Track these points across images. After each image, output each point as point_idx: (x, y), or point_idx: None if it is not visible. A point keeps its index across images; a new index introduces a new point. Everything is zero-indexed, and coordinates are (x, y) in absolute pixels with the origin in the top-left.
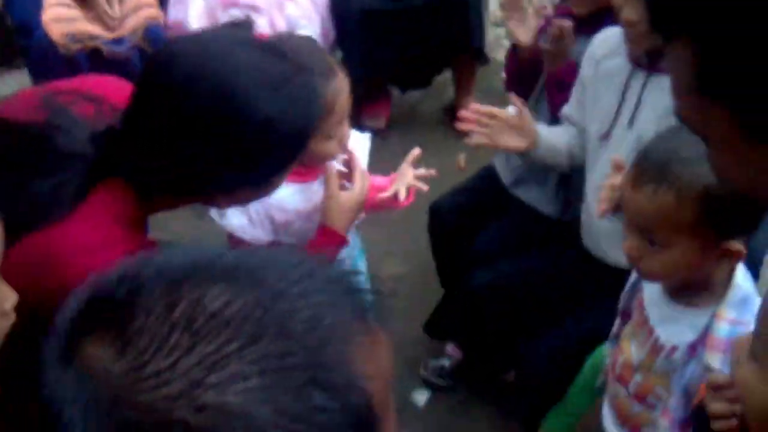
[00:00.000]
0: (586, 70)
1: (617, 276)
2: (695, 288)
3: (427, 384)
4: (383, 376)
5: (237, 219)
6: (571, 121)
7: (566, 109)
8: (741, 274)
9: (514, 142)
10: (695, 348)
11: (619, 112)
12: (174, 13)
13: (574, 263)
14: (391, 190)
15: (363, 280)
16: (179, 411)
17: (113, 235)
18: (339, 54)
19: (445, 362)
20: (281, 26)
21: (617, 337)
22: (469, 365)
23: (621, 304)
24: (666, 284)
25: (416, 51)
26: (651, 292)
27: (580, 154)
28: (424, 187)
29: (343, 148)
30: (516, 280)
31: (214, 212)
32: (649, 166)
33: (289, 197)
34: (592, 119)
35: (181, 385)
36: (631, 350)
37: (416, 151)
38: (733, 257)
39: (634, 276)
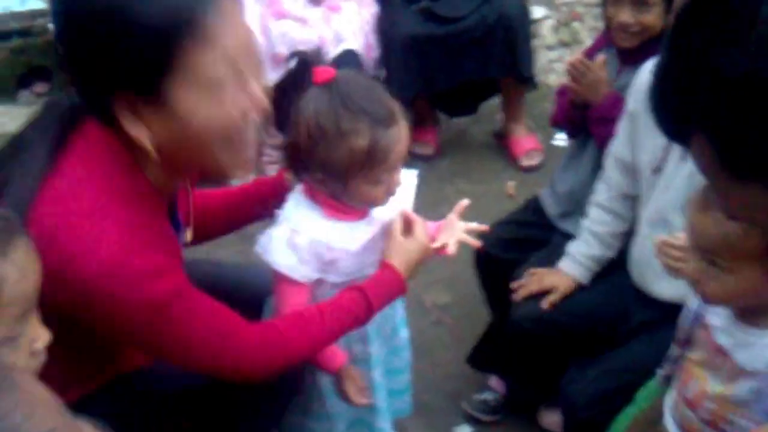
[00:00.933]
0: (633, 102)
1: (663, 309)
2: (765, 310)
3: (469, 419)
4: None
5: (284, 257)
6: (619, 159)
7: (615, 147)
8: None
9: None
10: None
11: (670, 145)
12: None
13: (620, 296)
14: (439, 241)
15: (404, 364)
16: None
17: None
18: (383, 72)
19: (489, 396)
20: (328, 39)
21: (676, 360)
22: (513, 400)
23: (680, 334)
24: (733, 308)
25: (463, 77)
26: (719, 320)
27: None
28: (476, 244)
29: (391, 195)
30: (560, 312)
31: (258, 246)
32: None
33: (337, 235)
34: (644, 151)
35: None
36: (707, 379)
37: (464, 203)
38: None
39: (695, 303)
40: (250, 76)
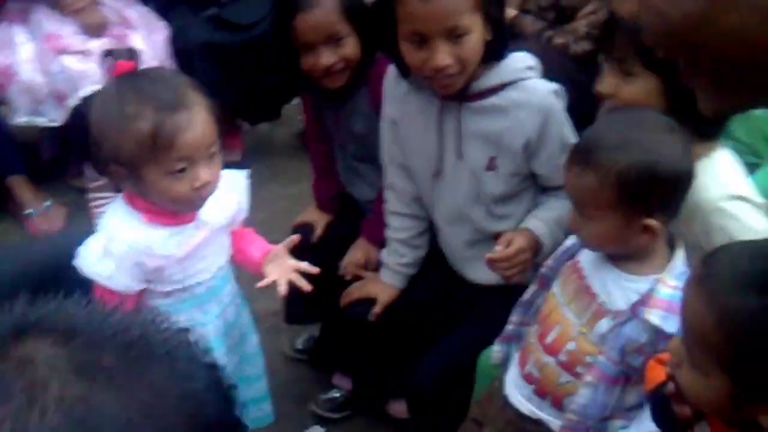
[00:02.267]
0: (391, 110)
1: (482, 292)
2: (635, 258)
3: (319, 419)
4: None
5: (101, 267)
6: (397, 164)
7: (387, 154)
8: (682, 252)
9: None
10: (636, 309)
11: (442, 148)
12: (1, 59)
13: (446, 280)
14: (269, 275)
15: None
16: None
17: None
18: None
19: (335, 394)
20: None
21: (530, 304)
22: (360, 394)
23: (543, 270)
24: (604, 253)
25: (263, 84)
26: (590, 260)
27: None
28: (307, 287)
29: (200, 192)
30: (394, 305)
31: (76, 257)
32: (577, 150)
33: (159, 241)
34: (416, 157)
35: None
36: (570, 320)
37: (295, 238)
38: (651, 233)
39: (568, 241)
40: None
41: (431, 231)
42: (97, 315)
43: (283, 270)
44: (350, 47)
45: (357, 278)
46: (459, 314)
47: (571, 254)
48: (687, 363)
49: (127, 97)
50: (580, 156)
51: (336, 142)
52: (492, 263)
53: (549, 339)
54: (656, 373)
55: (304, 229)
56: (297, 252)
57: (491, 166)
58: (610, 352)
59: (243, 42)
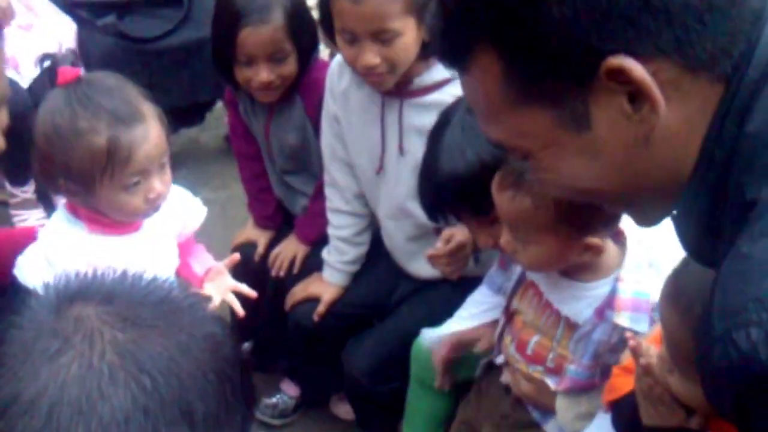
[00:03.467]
0: (333, 105)
1: (426, 286)
2: (585, 267)
3: (261, 425)
4: None
5: (37, 274)
6: (339, 159)
7: (329, 151)
8: (632, 243)
9: None
10: (602, 313)
11: (385, 143)
12: None
13: (387, 276)
14: (215, 298)
15: None
16: None
17: None
18: None
19: (279, 399)
20: (25, 59)
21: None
22: (306, 398)
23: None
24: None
25: (171, 102)
26: (542, 276)
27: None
28: (240, 313)
29: (152, 205)
30: (336, 304)
31: (15, 267)
32: (508, 172)
33: (100, 250)
34: (358, 155)
35: None
36: (541, 331)
37: (236, 257)
38: (593, 251)
39: (518, 267)
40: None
41: (374, 227)
42: (128, 282)
43: (221, 289)
44: (290, 66)
45: (292, 277)
46: (397, 305)
47: (523, 278)
48: (677, 371)
49: (78, 111)
50: (512, 179)
51: (264, 155)
52: (432, 260)
53: (529, 351)
54: (621, 381)
55: (245, 247)
56: (241, 270)
57: None
58: (580, 360)
59: (146, 53)
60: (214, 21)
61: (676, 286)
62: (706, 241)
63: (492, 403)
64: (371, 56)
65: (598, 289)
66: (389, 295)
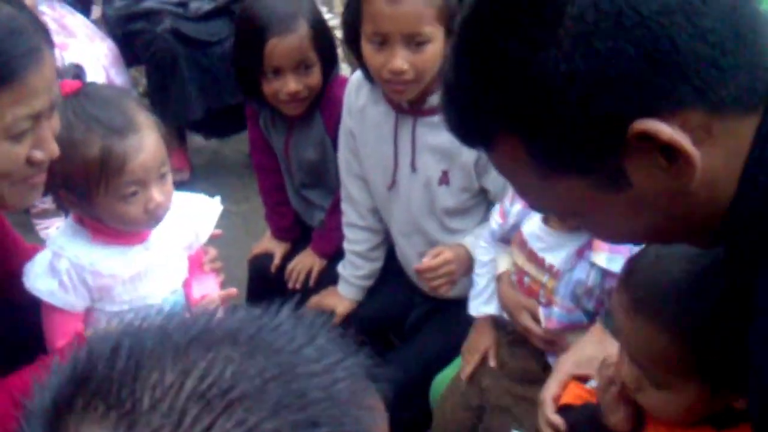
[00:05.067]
0: (350, 121)
1: (441, 305)
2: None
3: None
4: None
5: (44, 282)
6: (354, 175)
7: (345, 165)
8: None
9: None
10: (582, 252)
11: (397, 160)
12: None
13: (404, 292)
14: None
15: None
16: None
17: None
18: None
19: None
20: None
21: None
22: None
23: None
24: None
25: (222, 103)
26: (530, 227)
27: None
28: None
29: (153, 214)
30: (353, 317)
31: (24, 276)
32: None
33: (104, 260)
34: (372, 170)
35: None
36: (519, 257)
37: (232, 292)
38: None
39: (517, 208)
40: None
41: (389, 243)
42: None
43: (207, 289)
44: (315, 76)
45: (308, 289)
46: (417, 326)
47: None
48: (647, 385)
49: (73, 123)
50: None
51: (283, 169)
52: (418, 274)
53: (525, 285)
54: (574, 393)
55: (263, 258)
56: (258, 281)
57: (444, 180)
58: (563, 302)
59: (204, 56)
60: (237, 35)
61: (636, 296)
62: (749, 267)
63: (489, 376)
64: (401, 61)
65: (582, 239)
66: (405, 312)
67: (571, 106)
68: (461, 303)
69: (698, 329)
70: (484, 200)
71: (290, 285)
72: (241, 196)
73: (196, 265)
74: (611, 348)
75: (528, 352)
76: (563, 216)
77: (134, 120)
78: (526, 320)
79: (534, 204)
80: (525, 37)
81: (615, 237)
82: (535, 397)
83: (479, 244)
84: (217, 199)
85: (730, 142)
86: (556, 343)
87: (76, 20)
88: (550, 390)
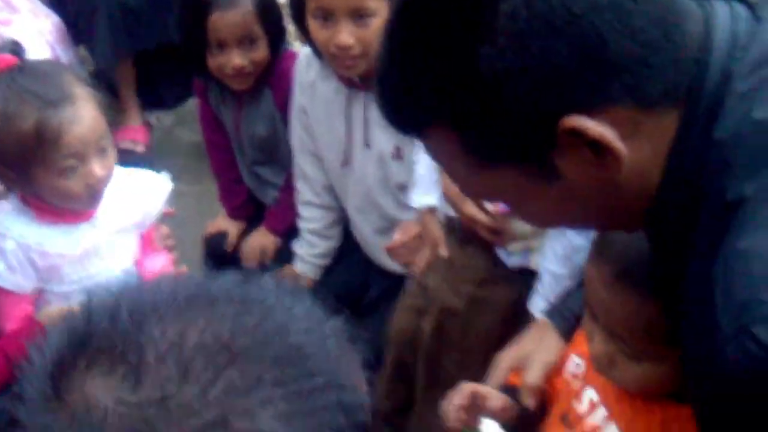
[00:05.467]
0: (301, 97)
1: (399, 280)
2: None
3: None
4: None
5: None
6: (308, 152)
7: (298, 143)
8: None
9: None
10: None
11: (350, 136)
12: None
13: (360, 270)
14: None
15: None
16: None
17: None
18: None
19: None
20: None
21: None
22: None
23: None
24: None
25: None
26: None
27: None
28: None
29: (95, 189)
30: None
31: None
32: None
33: (50, 239)
34: (325, 147)
35: (212, 414)
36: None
37: (164, 231)
38: None
39: None
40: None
41: (346, 220)
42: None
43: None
44: (261, 51)
45: (263, 268)
46: (375, 304)
47: None
48: (622, 359)
49: (8, 96)
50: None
51: (235, 146)
52: (389, 252)
53: None
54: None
55: (217, 238)
56: (213, 260)
57: (397, 155)
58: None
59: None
60: (181, 9)
61: (617, 268)
62: (675, 249)
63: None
64: (346, 36)
65: None
66: (363, 290)
67: (503, 102)
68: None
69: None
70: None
71: (245, 263)
72: (194, 176)
73: (147, 243)
74: (550, 344)
75: (477, 250)
76: (495, 201)
77: (70, 92)
78: (470, 208)
79: (467, 192)
80: (459, 31)
81: (547, 223)
82: (487, 299)
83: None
84: (167, 176)
85: (657, 135)
86: (502, 231)
87: None
88: (492, 383)
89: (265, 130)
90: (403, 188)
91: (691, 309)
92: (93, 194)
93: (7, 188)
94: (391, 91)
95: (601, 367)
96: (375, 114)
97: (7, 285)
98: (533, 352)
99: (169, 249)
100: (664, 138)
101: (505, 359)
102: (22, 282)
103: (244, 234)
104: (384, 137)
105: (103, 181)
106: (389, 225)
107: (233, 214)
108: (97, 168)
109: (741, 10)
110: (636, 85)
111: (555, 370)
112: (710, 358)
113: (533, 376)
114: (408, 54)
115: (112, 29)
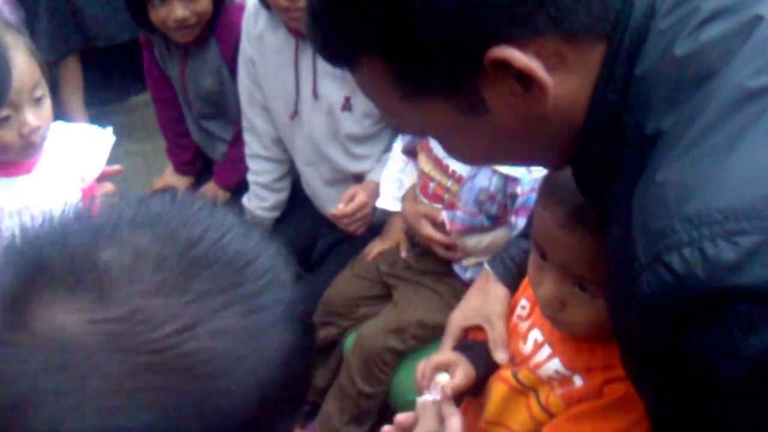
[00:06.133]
0: (249, 49)
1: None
2: None
3: None
4: None
5: None
6: (257, 104)
7: (246, 95)
8: None
9: None
10: None
11: (299, 88)
12: None
13: (310, 223)
14: None
15: None
16: (189, 343)
17: None
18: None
19: None
20: None
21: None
22: None
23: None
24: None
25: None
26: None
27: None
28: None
29: (30, 139)
30: None
31: None
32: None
33: None
34: (274, 99)
35: (180, 322)
36: (426, 164)
37: (108, 188)
38: None
39: None
40: None
41: (295, 173)
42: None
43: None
44: (204, 2)
45: None
46: (324, 256)
47: None
48: (574, 301)
49: None
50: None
51: (181, 100)
52: (335, 219)
53: (430, 192)
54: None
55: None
56: None
57: (347, 106)
58: (466, 206)
59: None
60: None
61: (573, 208)
62: (599, 183)
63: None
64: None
65: None
66: (312, 242)
67: (430, 30)
68: (367, 235)
69: None
70: (388, 126)
71: None
72: (142, 134)
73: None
74: (497, 294)
75: (434, 259)
76: (423, 136)
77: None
78: (426, 228)
79: (397, 124)
80: None
81: (475, 159)
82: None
83: (393, 156)
84: (109, 129)
85: (583, 69)
86: (455, 247)
87: None
88: (445, 346)
89: (212, 83)
90: (352, 139)
91: (612, 241)
92: (28, 145)
93: None
94: (322, 20)
95: (551, 311)
96: (323, 65)
97: None
98: (483, 305)
99: None
100: (590, 72)
101: (455, 320)
102: None
103: (192, 189)
104: (333, 88)
105: (39, 131)
106: (339, 177)
107: (181, 169)
108: (31, 118)
109: None
110: (562, 17)
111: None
112: (628, 287)
113: (498, 331)
114: None
115: (56, 24)
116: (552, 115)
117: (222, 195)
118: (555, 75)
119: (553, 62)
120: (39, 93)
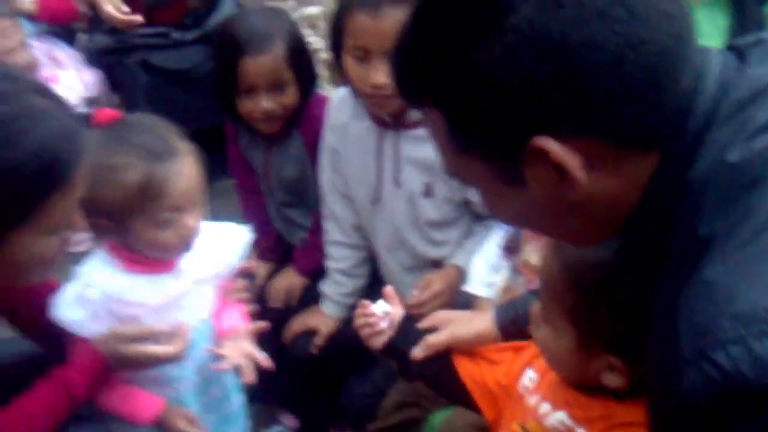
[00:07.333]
0: (333, 138)
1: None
2: None
3: None
4: None
5: (72, 312)
6: (337, 192)
7: (328, 182)
8: None
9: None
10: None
11: (381, 175)
12: None
13: None
14: (230, 359)
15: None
16: None
17: None
18: None
19: (279, 430)
20: None
21: None
22: (306, 428)
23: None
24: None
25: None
26: None
27: None
28: (250, 379)
29: (184, 241)
30: (337, 336)
31: (52, 307)
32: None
33: (133, 289)
34: (356, 186)
35: None
36: None
37: (262, 326)
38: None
39: None
40: None
41: (372, 260)
42: None
43: (236, 353)
44: (291, 95)
45: (290, 309)
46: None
47: None
48: (541, 320)
49: (114, 148)
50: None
51: (264, 189)
52: (412, 310)
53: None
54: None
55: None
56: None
57: (428, 193)
58: None
59: (183, 79)
60: (216, 53)
61: (573, 260)
62: (643, 274)
63: None
64: (382, 75)
65: None
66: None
67: (487, 103)
68: None
69: (584, 273)
70: (468, 211)
71: (270, 303)
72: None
73: (223, 295)
74: (472, 323)
75: None
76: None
77: (174, 146)
78: None
79: (448, 170)
80: (468, 28)
81: (516, 224)
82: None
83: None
84: (245, 227)
85: (625, 173)
86: None
87: (64, 52)
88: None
89: (295, 172)
90: (432, 225)
91: (657, 328)
92: (183, 245)
93: (97, 237)
94: (401, 63)
95: (533, 325)
96: (405, 152)
97: (87, 333)
98: (453, 321)
99: (243, 302)
100: (634, 176)
101: (433, 316)
102: (100, 330)
103: (272, 275)
104: (414, 175)
105: (195, 232)
106: (418, 263)
107: (263, 255)
108: (190, 220)
109: (731, 58)
110: (611, 124)
111: (510, 377)
112: (672, 378)
113: (436, 338)
114: (419, 35)
115: (153, 112)
116: (589, 205)
117: (300, 281)
118: (594, 173)
119: (595, 162)
120: (199, 197)
